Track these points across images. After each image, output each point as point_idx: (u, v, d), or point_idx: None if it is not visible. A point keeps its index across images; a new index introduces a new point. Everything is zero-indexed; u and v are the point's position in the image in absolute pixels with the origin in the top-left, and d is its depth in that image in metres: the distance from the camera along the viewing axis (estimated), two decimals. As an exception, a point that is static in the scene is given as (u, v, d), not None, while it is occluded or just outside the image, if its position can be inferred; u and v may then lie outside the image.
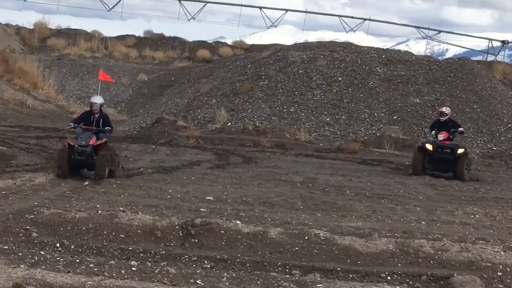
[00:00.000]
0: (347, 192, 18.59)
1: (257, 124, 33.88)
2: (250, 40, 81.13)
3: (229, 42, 67.95)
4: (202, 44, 64.14)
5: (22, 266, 9.45)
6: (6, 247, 10.27)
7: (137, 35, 64.07)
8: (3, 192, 15.32)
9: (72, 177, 17.81)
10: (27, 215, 11.71)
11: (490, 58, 60.16)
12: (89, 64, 54.56)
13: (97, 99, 19.37)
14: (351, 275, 10.50)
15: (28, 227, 11.11)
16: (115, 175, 18.66)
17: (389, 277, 10.50)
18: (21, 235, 10.83)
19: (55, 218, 11.58)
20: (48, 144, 26.46)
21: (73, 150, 18.16)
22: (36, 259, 9.93)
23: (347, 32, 63.48)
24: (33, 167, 19.69)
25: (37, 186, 16.42)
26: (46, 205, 13.98)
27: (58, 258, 10.08)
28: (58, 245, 10.73)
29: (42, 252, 10.29)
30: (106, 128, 18.89)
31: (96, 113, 19.11)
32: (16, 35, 58.48)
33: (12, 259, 9.76)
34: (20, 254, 10.05)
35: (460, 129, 24.31)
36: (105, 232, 11.28)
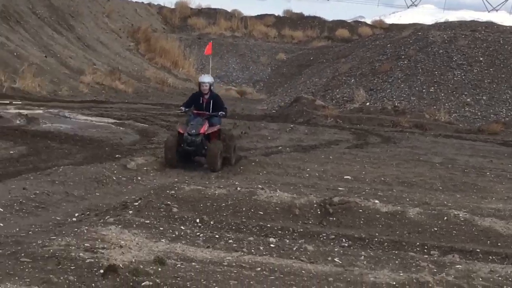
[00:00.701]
0: (488, 173, 18.14)
1: (396, 104, 33.48)
2: (389, 20, 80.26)
3: (368, 21, 67.39)
4: (341, 23, 63.86)
5: (163, 240, 9.65)
6: (148, 222, 10.51)
7: (276, 14, 64.35)
8: (145, 168, 15.74)
9: (183, 165, 16.46)
10: (167, 191, 11.95)
11: None
12: (229, 43, 55.15)
13: (206, 78, 17.14)
14: (491, 257, 10.24)
15: (169, 202, 11.33)
16: (230, 162, 17.01)
17: (531, 261, 10.18)
18: (162, 210, 11.06)
19: (195, 194, 11.77)
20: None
21: (182, 139, 16.27)
22: (177, 233, 10.12)
23: (489, 12, 62.00)
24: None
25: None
26: (186, 181, 14.26)
27: (197, 233, 10.24)
28: (197, 220, 10.90)
29: (182, 227, 10.47)
30: (220, 112, 16.75)
31: (206, 94, 16.84)
32: (157, 15, 59.73)
33: (154, 233, 9.98)
34: (161, 228, 10.27)
35: None
36: (244, 209, 11.38)
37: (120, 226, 10.00)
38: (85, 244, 8.77)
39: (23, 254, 8.47)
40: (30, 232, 10.33)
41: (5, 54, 36.29)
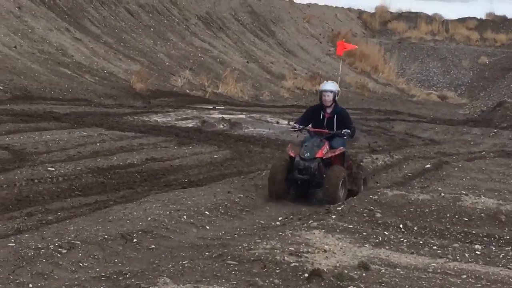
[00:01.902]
0: None
1: None
2: None
3: None
4: (547, 25, 61.29)
5: (366, 245, 9.60)
6: (351, 226, 10.48)
7: (478, 17, 62.64)
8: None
9: (294, 199, 13.48)
10: (370, 196, 11.89)
11: None
12: (430, 47, 54.27)
13: (329, 85, 13.76)
14: None
15: (371, 207, 11.25)
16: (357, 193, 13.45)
17: None
18: (365, 215, 10.99)
19: (398, 199, 11.62)
20: (387, 126, 26.81)
21: (293, 164, 13.05)
22: (380, 239, 10.04)
23: None
24: (373, 148, 20.08)
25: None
26: (389, 186, 14.14)
27: (401, 239, 10.11)
28: (401, 226, 10.76)
29: (385, 233, 10.37)
30: (344, 130, 13.28)
31: (328, 106, 13.49)
32: (357, 19, 59.64)
33: (357, 238, 9.94)
34: (364, 233, 10.21)
35: None
36: (448, 215, 11.12)
37: (323, 230, 10.03)
38: (290, 248, 8.86)
39: (229, 257, 8.66)
40: (235, 235, 10.58)
41: (208, 60, 37.42)
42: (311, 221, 10.71)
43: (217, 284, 7.66)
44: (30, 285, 7.79)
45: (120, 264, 8.88)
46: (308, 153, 12.88)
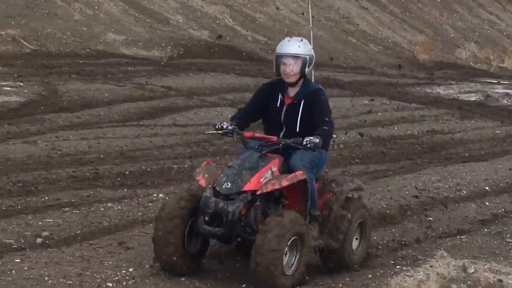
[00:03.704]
0: None
1: None
2: None
3: None
4: None
5: None
6: None
7: None
8: None
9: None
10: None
11: None
12: None
13: (292, 45, 7.22)
14: None
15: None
16: (344, 262, 7.54)
17: None
18: None
19: None
20: None
21: (201, 207, 6.91)
22: None
23: None
24: None
25: None
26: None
27: None
28: None
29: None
30: (307, 139, 6.94)
31: (291, 85, 7.34)
32: None
33: None
34: None
35: None
36: None
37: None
38: None
39: (508, 235, 8.50)
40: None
41: (495, 33, 36.34)
42: None
43: (495, 262, 7.54)
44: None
45: (397, 234, 8.98)
46: (229, 183, 6.84)
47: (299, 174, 6.92)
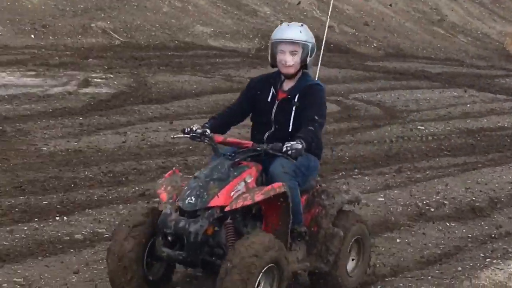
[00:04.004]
0: None
1: None
2: None
3: None
4: None
5: None
6: None
7: None
8: None
9: None
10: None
11: None
12: None
13: (293, 31, 6.16)
14: None
15: None
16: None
17: None
18: None
19: None
20: None
21: (159, 226, 5.79)
22: None
23: None
24: None
25: None
26: None
27: None
28: None
29: None
30: (288, 145, 5.73)
31: (289, 78, 6.26)
32: None
33: None
34: None
35: None
36: None
37: None
38: None
39: None
40: None
41: None
42: None
43: None
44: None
45: (486, 227, 8.86)
46: (192, 198, 5.72)
47: (276, 186, 5.74)
